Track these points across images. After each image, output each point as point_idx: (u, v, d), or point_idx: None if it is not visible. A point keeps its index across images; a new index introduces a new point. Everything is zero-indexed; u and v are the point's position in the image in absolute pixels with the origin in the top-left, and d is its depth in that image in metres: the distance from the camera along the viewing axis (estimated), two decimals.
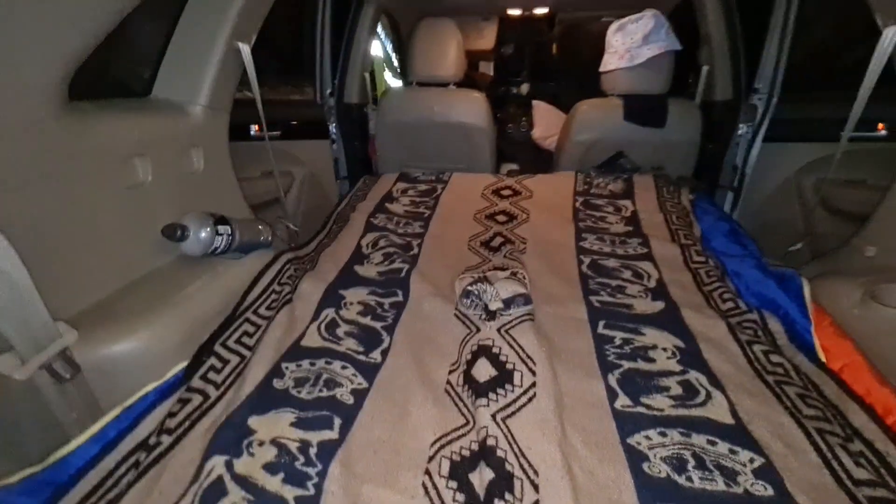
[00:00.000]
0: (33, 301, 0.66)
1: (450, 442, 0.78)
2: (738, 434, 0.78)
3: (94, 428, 0.73)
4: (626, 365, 0.95)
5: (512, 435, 0.76)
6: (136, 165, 0.97)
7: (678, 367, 0.93)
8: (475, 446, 0.76)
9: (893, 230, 1.09)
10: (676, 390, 0.88)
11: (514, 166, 2.63)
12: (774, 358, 0.94)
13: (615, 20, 1.93)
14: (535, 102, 2.78)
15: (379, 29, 2.69)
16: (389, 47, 2.88)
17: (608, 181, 1.86)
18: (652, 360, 0.96)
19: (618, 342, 1.01)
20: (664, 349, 0.99)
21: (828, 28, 1.83)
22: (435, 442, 0.78)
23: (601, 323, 1.08)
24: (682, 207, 1.69)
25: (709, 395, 0.86)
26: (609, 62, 1.89)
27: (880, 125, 1.63)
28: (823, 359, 0.93)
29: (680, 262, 1.34)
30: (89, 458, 0.71)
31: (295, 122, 2.05)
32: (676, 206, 1.69)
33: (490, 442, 0.74)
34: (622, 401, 0.86)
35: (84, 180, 0.85)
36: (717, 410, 0.83)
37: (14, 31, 0.69)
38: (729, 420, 0.81)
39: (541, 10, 2.80)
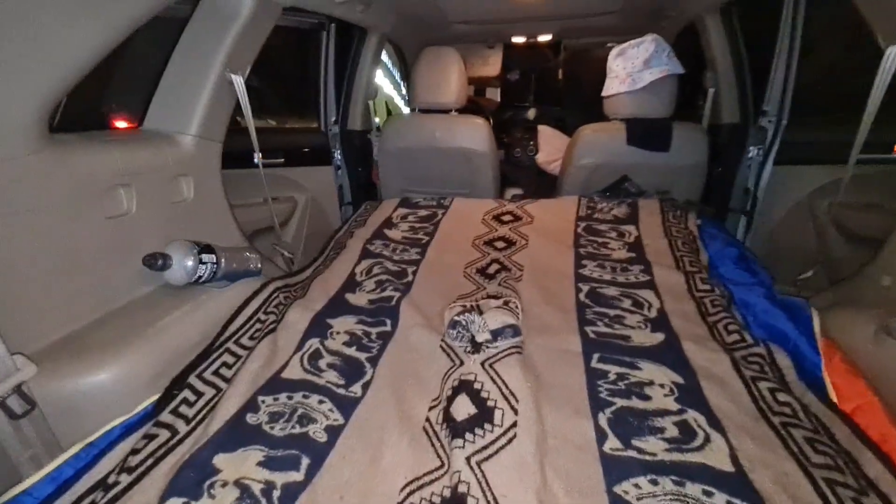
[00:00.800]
0: None
1: (421, 487, 0.73)
2: (738, 483, 0.71)
3: (50, 466, 0.71)
4: (620, 403, 0.88)
5: (486, 481, 0.70)
6: (120, 195, 0.98)
7: (675, 406, 0.87)
8: (447, 492, 0.71)
9: None
10: (672, 432, 0.81)
11: (518, 191, 2.61)
12: (781, 397, 0.87)
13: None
14: (540, 127, 2.77)
15: (387, 58, 2.76)
16: (398, 76, 2.94)
17: (612, 206, 1.81)
18: (647, 398, 0.89)
19: (612, 377, 0.95)
20: (661, 385, 0.92)
21: (836, 50, 1.79)
22: (405, 486, 0.73)
23: (595, 356, 1.02)
24: (689, 233, 1.62)
25: (707, 438, 0.79)
26: (611, 87, 1.87)
27: None
28: (835, 398, 0.85)
29: (683, 291, 1.27)
30: (43, 499, 0.68)
31: (305, 150, 2.09)
32: (682, 231, 1.62)
33: (461, 489, 0.69)
34: (612, 443, 0.79)
35: (62, 212, 0.86)
36: (716, 456, 0.76)
37: None
38: (728, 467, 0.74)
39: (545, 38, 2.83)
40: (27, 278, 0.80)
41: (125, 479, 0.73)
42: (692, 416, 0.84)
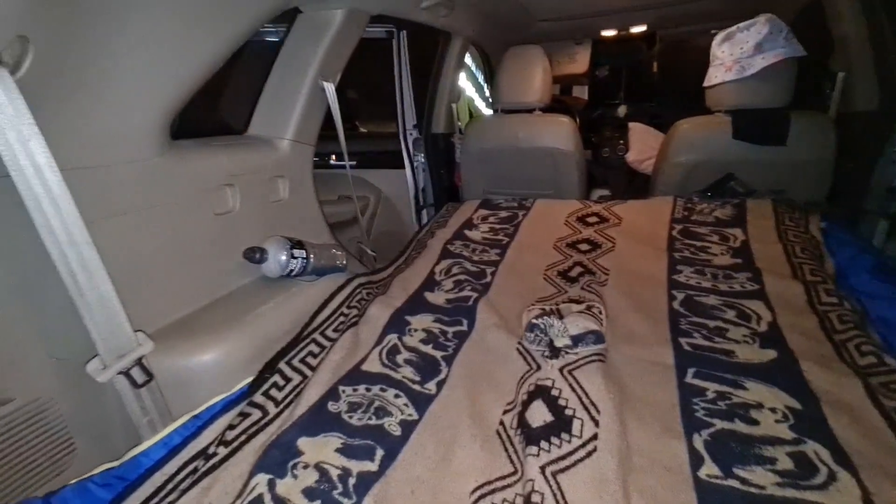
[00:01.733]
0: (118, 314, 0.75)
1: (492, 491, 0.71)
2: None
3: (163, 433, 0.80)
4: (719, 425, 0.78)
5: (562, 493, 0.66)
6: (227, 195, 1.09)
7: (791, 435, 0.75)
8: (520, 500, 0.68)
9: None
10: (786, 464, 0.70)
11: (605, 192, 2.47)
12: None
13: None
14: (631, 124, 2.60)
15: (470, 61, 2.77)
16: (481, 78, 2.94)
17: (714, 207, 1.64)
18: (755, 423, 0.78)
19: (710, 395, 0.85)
20: (773, 410, 0.80)
21: None
22: (476, 489, 0.71)
23: (691, 371, 0.92)
24: (811, 238, 1.41)
25: (832, 476, 0.67)
26: (714, 76, 1.69)
27: None
28: None
29: (803, 303, 1.10)
30: (157, 460, 0.77)
31: (380, 153, 2.21)
32: (801, 235, 1.42)
33: (535, 498, 0.65)
34: (709, 469, 0.71)
35: (179, 208, 0.97)
36: (843, 498, 0.64)
37: (128, 84, 0.82)
38: None
39: (638, 29, 2.65)
40: (150, 266, 0.92)
41: (222, 451, 0.80)
42: (812, 447, 0.72)
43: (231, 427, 0.85)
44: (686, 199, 1.72)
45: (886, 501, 0.63)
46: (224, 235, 1.09)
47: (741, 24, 1.63)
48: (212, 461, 0.78)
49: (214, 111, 1.33)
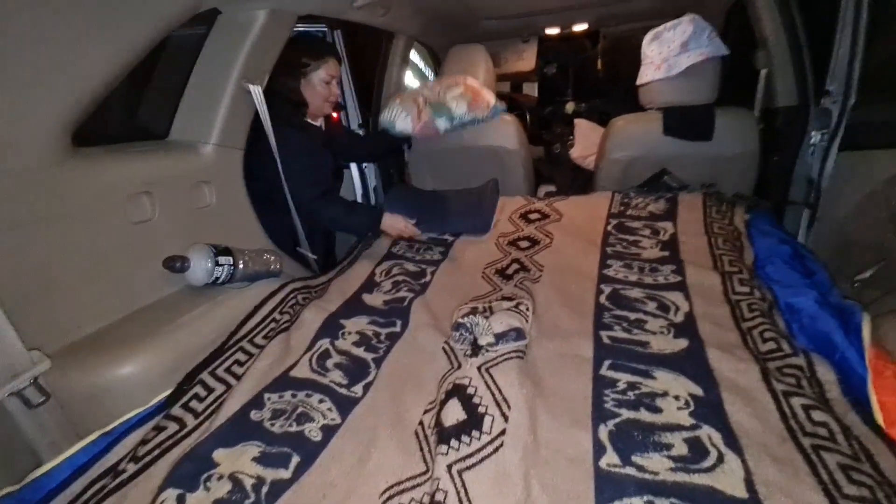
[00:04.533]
0: (6, 334, 0.72)
1: (401, 492, 0.72)
2: None
3: (68, 452, 0.77)
4: (626, 414, 0.82)
5: (466, 491, 0.68)
6: (144, 203, 1.05)
7: (690, 421, 0.79)
8: (426, 499, 0.69)
9: None
10: (681, 449, 0.74)
11: (551, 188, 2.52)
12: (817, 416, 0.76)
13: None
14: (576, 121, 2.66)
15: (418, 59, 2.77)
16: (431, 75, 2.95)
17: (649, 201, 1.69)
18: (658, 411, 0.82)
19: (621, 386, 0.88)
20: (676, 397, 0.84)
21: None
22: (386, 490, 0.72)
23: (606, 363, 0.95)
24: (733, 229, 1.48)
25: (720, 459, 0.71)
26: (645, 74, 1.75)
27: None
28: (881, 420, 0.73)
29: (718, 293, 1.16)
30: (61, 481, 0.75)
31: None
32: (725, 227, 1.49)
33: (438, 497, 0.67)
34: (609, 458, 0.74)
35: (87, 219, 0.94)
36: (728, 479, 0.68)
37: (16, 88, 0.78)
38: (741, 493, 0.66)
39: (581, 27, 2.70)
40: (54, 280, 0.88)
41: (132, 467, 0.78)
42: (706, 432, 0.76)
43: (144, 442, 0.83)
44: (623, 194, 1.77)
45: (764, 480, 0.67)
46: (142, 245, 1.05)
47: (668, 24, 1.69)
48: (120, 478, 0.76)
49: (133, 116, 1.28)
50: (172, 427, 0.87)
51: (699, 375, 0.88)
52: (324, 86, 1.52)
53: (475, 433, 0.77)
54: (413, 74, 2.68)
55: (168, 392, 0.93)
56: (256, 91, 1.25)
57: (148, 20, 0.94)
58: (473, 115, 1.91)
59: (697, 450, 0.73)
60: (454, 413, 0.81)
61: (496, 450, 0.74)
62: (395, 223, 1.60)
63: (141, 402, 0.90)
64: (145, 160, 1.07)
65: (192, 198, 1.19)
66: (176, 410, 0.90)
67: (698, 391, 0.85)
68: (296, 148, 1.44)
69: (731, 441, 0.74)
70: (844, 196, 1.67)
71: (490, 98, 1.93)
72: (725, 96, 1.73)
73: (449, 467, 0.71)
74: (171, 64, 1.11)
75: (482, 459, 0.72)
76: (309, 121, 1.60)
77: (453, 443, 0.75)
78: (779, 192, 1.86)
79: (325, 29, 1.93)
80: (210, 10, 1.14)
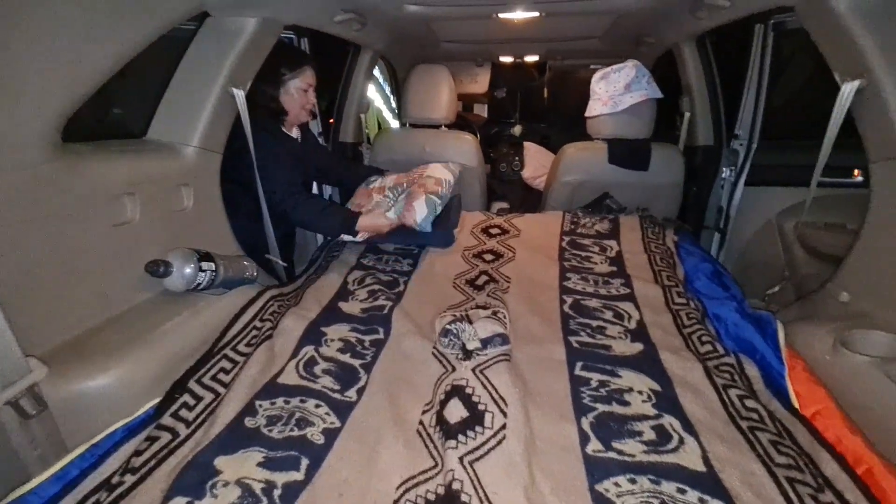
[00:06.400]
0: (5, 338, 0.67)
1: (416, 485, 0.77)
2: (709, 482, 0.77)
3: (56, 466, 0.73)
4: (601, 408, 0.94)
5: (478, 479, 0.75)
6: (125, 204, 1.00)
7: (653, 412, 0.93)
8: (441, 490, 0.75)
9: (865, 275, 1.10)
10: (649, 435, 0.87)
11: (504, 205, 2.68)
12: (749, 403, 0.94)
13: (601, 68, 2.02)
14: (526, 144, 2.87)
15: (378, 73, 2.82)
16: (388, 90, 3.01)
17: (594, 221, 1.89)
18: (627, 404, 0.95)
19: (594, 384, 1.01)
20: (640, 392, 0.98)
21: (803, 78, 1.92)
22: (401, 485, 0.77)
23: (579, 364, 1.08)
24: (666, 248, 1.71)
25: (681, 441, 0.85)
26: (594, 108, 1.96)
27: (856, 171, 1.69)
28: (796, 404, 0.92)
29: (661, 304, 1.34)
30: (49, 498, 0.70)
31: None
32: (660, 246, 1.71)
33: (455, 486, 0.73)
34: (594, 445, 0.85)
35: (72, 219, 0.88)
36: (689, 457, 0.82)
37: (12, 85, 0.74)
38: (700, 467, 0.80)
39: (531, 58, 2.94)
40: (38, 282, 0.82)
41: (129, 479, 0.75)
42: (668, 420, 0.90)
43: (138, 453, 0.80)
44: (573, 213, 1.96)
45: (717, 456, 0.82)
46: (122, 248, 1.00)
47: (615, 66, 1.92)
48: (117, 491, 0.73)
49: (106, 109, 1.20)
50: (165, 437, 0.84)
51: (656, 374, 1.03)
52: (301, 94, 1.53)
53: (478, 428, 0.84)
54: (374, 89, 2.73)
55: (156, 401, 0.89)
56: (241, 96, 1.24)
57: (144, 21, 0.92)
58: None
59: (663, 435, 0.87)
60: (457, 411, 0.88)
61: (500, 442, 0.82)
62: (375, 221, 1.60)
63: (126, 412, 0.86)
64: (129, 159, 1.02)
65: (172, 200, 1.15)
66: (166, 420, 0.87)
67: (657, 387, 0.99)
68: (270, 153, 1.43)
69: (688, 426, 0.88)
70: (747, 224, 2.00)
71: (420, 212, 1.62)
72: (655, 133, 2.00)
73: (461, 459, 0.78)
74: (146, 61, 1.07)
75: (489, 451, 0.80)
76: (284, 130, 1.59)
77: (460, 437, 0.82)
78: (696, 218, 2.17)
79: (293, 36, 1.93)
80: (200, 13, 1.12)
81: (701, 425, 0.89)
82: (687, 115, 2.08)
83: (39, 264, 0.82)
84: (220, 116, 1.23)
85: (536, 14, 1.78)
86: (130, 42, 0.91)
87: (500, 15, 1.78)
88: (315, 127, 2.24)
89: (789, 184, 1.79)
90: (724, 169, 2.06)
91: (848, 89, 1.06)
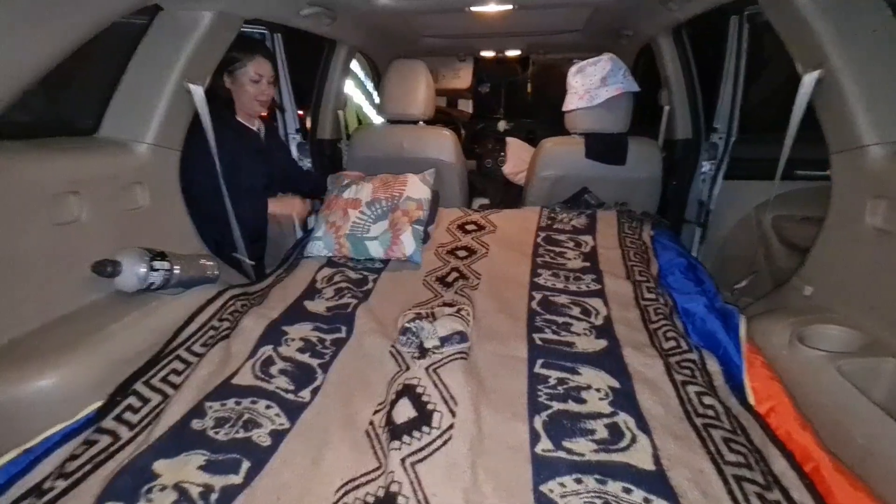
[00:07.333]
0: None
1: (356, 487, 0.75)
2: (656, 481, 0.75)
3: None
4: (556, 406, 0.92)
5: (419, 480, 0.73)
6: (70, 203, 0.98)
7: (608, 409, 0.91)
8: (381, 492, 0.73)
9: (828, 269, 1.09)
10: (602, 433, 0.85)
11: (485, 201, 2.66)
12: (707, 399, 0.92)
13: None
14: (507, 139, 2.84)
15: (358, 69, 2.79)
16: (370, 86, 2.98)
17: (572, 216, 1.87)
18: (583, 401, 0.94)
19: (552, 382, 0.99)
20: (598, 390, 0.97)
21: (780, 71, 1.90)
22: (341, 487, 0.75)
23: (539, 362, 1.06)
24: (642, 244, 1.69)
25: (634, 439, 0.84)
26: (570, 102, 1.94)
27: None
28: (752, 400, 0.91)
29: (630, 299, 1.33)
30: None
31: None
32: (636, 242, 1.69)
33: (393, 488, 0.71)
34: (544, 444, 0.83)
35: (6, 219, 0.86)
36: (640, 455, 0.80)
37: None
38: (650, 466, 0.78)
39: (513, 53, 2.91)
40: None
41: (61, 484, 0.73)
42: (623, 418, 0.89)
43: (73, 457, 0.78)
44: (551, 209, 1.94)
45: (668, 454, 0.80)
46: (66, 248, 0.98)
47: (590, 60, 1.89)
48: (46, 497, 0.71)
49: (53, 106, 1.18)
50: (105, 440, 0.82)
51: (616, 370, 1.02)
52: (252, 84, 1.49)
53: (425, 428, 0.82)
54: (354, 84, 2.70)
55: (98, 404, 0.87)
56: (198, 91, 1.21)
57: (85, 12, 0.89)
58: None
59: (615, 433, 0.85)
60: (405, 411, 0.86)
61: (445, 443, 0.80)
62: (287, 203, 1.59)
63: (65, 417, 0.84)
64: (73, 157, 1.00)
65: (124, 199, 1.12)
66: (108, 423, 0.85)
67: (616, 384, 0.98)
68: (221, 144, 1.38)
69: (643, 424, 0.87)
70: (726, 218, 1.98)
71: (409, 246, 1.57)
72: (633, 127, 1.97)
73: (402, 461, 0.76)
74: (96, 54, 1.04)
75: (433, 452, 0.78)
76: (241, 121, 1.56)
77: (405, 438, 0.80)
78: (676, 212, 2.15)
79: (265, 31, 1.90)
80: (152, 5, 1.09)
81: (655, 422, 0.87)
82: (666, 108, 2.05)
83: None
84: (176, 113, 1.20)
85: (510, 7, 1.76)
86: (71, 35, 0.88)
87: (473, 8, 1.76)
88: (292, 122, 2.22)
89: (766, 177, 1.77)
90: (703, 163, 2.04)
91: (808, 80, 1.04)
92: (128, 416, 0.88)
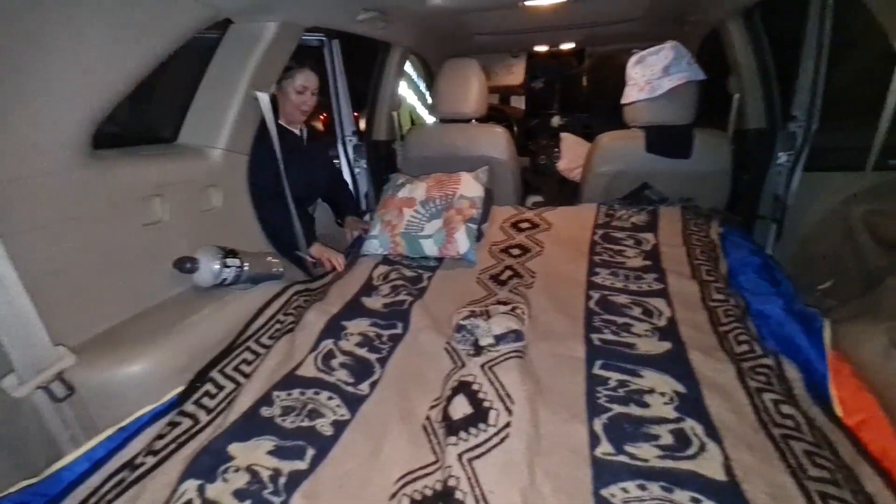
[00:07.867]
0: (35, 329, 0.74)
1: (415, 479, 0.77)
2: (729, 493, 0.70)
3: (87, 446, 0.79)
4: (617, 409, 0.89)
5: (476, 477, 0.74)
6: (155, 205, 1.08)
7: (674, 415, 0.87)
8: (439, 486, 0.74)
9: None
10: (667, 439, 0.81)
11: (539, 198, 2.62)
12: (785, 409, 0.85)
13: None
14: (562, 135, 2.77)
15: (411, 70, 2.84)
16: (423, 86, 3.02)
17: (631, 213, 1.79)
18: (646, 405, 0.90)
19: (612, 384, 0.96)
20: (662, 394, 0.92)
21: (869, 52, 1.71)
22: (400, 479, 0.77)
23: (598, 363, 1.03)
24: (710, 241, 1.59)
25: (702, 447, 0.79)
26: (630, 94, 1.86)
27: None
28: (840, 412, 0.83)
29: (697, 300, 1.25)
30: (80, 474, 0.77)
31: None
32: (702, 239, 1.59)
33: (451, 483, 0.72)
34: (604, 448, 0.81)
35: (104, 220, 0.96)
36: (710, 465, 0.76)
37: (44, 93, 0.81)
38: (721, 476, 0.74)
39: (568, 46, 2.83)
40: (73, 279, 0.91)
41: (150, 460, 0.81)
42: (690, 424, 0.84)
43: (160, 437, 0.86)
44: (608, 206, 1.87)
45: (742, 465, 0.75)
46: (153, 246, 1.08)
47: (651, 49, 1.81)
48: (139, 471, 0.79)
49: (141, 118, 1.30)
50: (186, 423, 0.89)
51: (682, 374, 0.96)
52: (297, 94, 1.54)
53: (482, 425, 0.83)
54: (407, 85, 2.75)
55: (180, 389, 0.95)
56: (264, 99, 1.29)
57: (170, 28, 0.98)
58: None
59: (682, 440, 0.81)
60: (461, 407, 0.87)
61: (502, 440, 0.80)
62: (326, 252, 1.62)
63: (153, 398, 0.92)
64: (157, 163, 1.10)
65: (200, 201, 1.22)
66: (189, 407, 0.93)
67: (681, 388, 0.93)
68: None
69: (712, 432, 0.82)
70: (807, 213, 1.81)
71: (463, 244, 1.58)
72: (701, 118, 1.86)
73: (459, 456, 0.77)
74: (177, 68, 1.13)
75: (490, 449, 0.78)
76: (282, 124, 1.62)
77: (462, 434, 0.81)
78: (749, 208, 2.00)
79: (324, 38, 1.98)
80: (223, 20, 1.17)
81: (727, 431, 0.82)
82: (736, 97, 1.91)
83: (72, 262, 0.90)
84: (244, 119, 1.28)
85: None
86: (156, 50, 0.97)
87: (527, 3, 1.73)
88: (349, 125, 2.30)
89: (855, 168, 1.61)
90: (779, 154, 1.88)
91: None
92: (205, 401, 0.95)
